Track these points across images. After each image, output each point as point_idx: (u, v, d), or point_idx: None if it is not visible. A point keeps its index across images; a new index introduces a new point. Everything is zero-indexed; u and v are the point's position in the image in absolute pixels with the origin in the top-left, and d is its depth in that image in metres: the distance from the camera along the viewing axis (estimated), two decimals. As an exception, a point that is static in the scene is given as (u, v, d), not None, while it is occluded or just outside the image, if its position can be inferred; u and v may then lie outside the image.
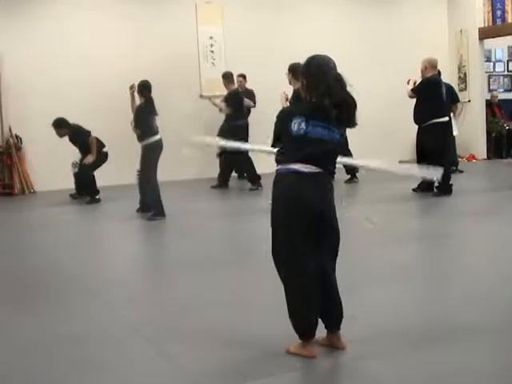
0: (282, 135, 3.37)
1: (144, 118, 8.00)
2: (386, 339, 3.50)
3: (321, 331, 3.37)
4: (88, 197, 9.73)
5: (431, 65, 9.11)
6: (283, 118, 3.38)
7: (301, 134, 3.26)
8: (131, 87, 8.44)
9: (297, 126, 3.27)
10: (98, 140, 9.77)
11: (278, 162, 3.36)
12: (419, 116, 9.07)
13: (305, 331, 3.29)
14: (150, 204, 7.95)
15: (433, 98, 8.89)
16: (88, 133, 9.75)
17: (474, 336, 3.54)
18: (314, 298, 3.26)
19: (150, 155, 7.96)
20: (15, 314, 4.34)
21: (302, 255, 3.25)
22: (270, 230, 3.35)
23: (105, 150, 9.86)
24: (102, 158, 9.81)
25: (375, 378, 3.07)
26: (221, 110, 10.92)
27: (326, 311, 3.35)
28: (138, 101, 8.34)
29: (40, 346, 3.68)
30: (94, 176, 9.78)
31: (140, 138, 8.03)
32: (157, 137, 8.01)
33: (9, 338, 3.85)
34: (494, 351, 3.35)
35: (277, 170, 3.36)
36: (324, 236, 3.33)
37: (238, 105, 10.63)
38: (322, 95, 3.24)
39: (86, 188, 9.85)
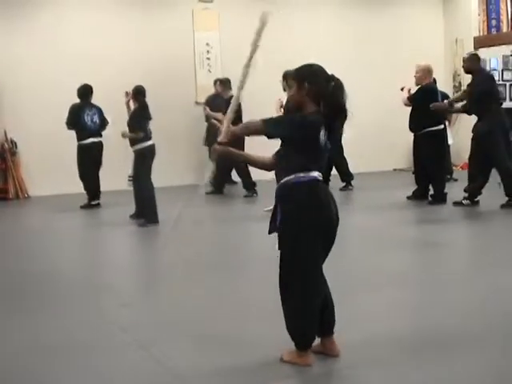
0: (305, 142, 3.21)
1: (138, 122, 7.99)
2: (381, 345, 3.49)
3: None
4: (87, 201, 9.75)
5: (428, 72, 9.07)
6: (315, 128, 3.22)
7: (324, 145, 3.25)
8: (126, 94, 8.45)
9: (323, 136, 3.23)
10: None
11: (296, 169, 3.21)
12: (415, 124, 9.03)
13: (307, 341, 3.26)
14: (143, 207, 7.93)
15: (429, 107, 8.81)
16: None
17: (468, 342, 3.54)
18: (318, 309, 3.26)
19: (143, 160, 7.95)
20: (7, 319, 4.33)
21: (320, 267, 3.27)
22: (286, 239, 3.23)
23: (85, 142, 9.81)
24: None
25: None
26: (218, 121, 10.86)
27: (322, 317, 3.34)
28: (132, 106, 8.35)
29: (32, 349, 3.67)
30: (90, 176, 9.78)
31: (132, 142, 8.02)
32: (149, 142, 8.00)
33: (1, 343, 3.83)
34: (488, 357, 3.35)
35: (297, 177, 3.20)
36: (330, 245, 3.33)
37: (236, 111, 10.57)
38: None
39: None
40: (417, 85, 9.13)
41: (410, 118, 9.16)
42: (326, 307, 3.33)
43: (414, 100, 9.04)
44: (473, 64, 8.57)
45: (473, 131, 8.69)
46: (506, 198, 8.28)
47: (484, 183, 8.48)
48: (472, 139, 8.65)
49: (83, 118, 9.74)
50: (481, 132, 8.37)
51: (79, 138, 9.76)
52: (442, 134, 9.19)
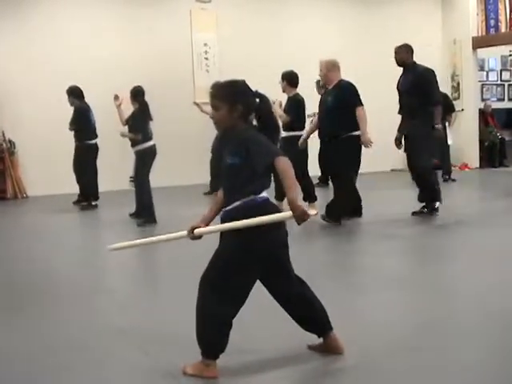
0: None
1: (139, 123, 7.98)
2: (380, 344, 3.49)
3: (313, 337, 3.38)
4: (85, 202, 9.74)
5: (335, 67, 7.53)
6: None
7: (225, 161, 3.18)
8: (116, 98, 8.44)
9: (224, 153, 3.20)
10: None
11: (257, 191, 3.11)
12: (333, 128, 7.32)
13: (216, 352, 3.14)
14: (142, 209, 7.94)
15: (351, 107, 7.33)
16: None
17: (466, 340, 3.55)
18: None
19: (144, 160, 7.94)
20: (4, 320, 4.32)
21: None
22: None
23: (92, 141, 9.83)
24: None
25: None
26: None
27: (311, 322, 3.34)
28: (128, 109, 8.32)
29: (28, 351, 3.66)
30: (94, 176, 9.79)
31: (133, 143, 8.01)
32: (150, 142, 7.99)
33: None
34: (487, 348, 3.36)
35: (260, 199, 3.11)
36: None
37: None
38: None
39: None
40: (325, 84, 7.83)
41: (329, 121, 7.39)
42: (310, 312, 3.31)
43: (333, 100, 7.40)
44: (406, 55, 7.72)
45: (405, 133, 7.84)
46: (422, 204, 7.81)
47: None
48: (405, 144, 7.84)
49: (90, 118, 9.76)
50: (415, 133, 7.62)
51: (85, 138, 9.71)
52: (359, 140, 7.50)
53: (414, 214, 7.79)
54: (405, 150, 7.93)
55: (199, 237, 3.25)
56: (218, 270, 3.12)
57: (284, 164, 2.95)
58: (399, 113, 8.05)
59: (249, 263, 3.09)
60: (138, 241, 3.66)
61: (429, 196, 7.78)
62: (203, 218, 3.29)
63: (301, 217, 2.85)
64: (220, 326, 3.10)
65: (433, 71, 7.76)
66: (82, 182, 9.89)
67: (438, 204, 7.78)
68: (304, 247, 6.07)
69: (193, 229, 3.24)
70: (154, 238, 3.51)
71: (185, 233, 3.27)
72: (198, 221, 3.27)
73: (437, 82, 7.78)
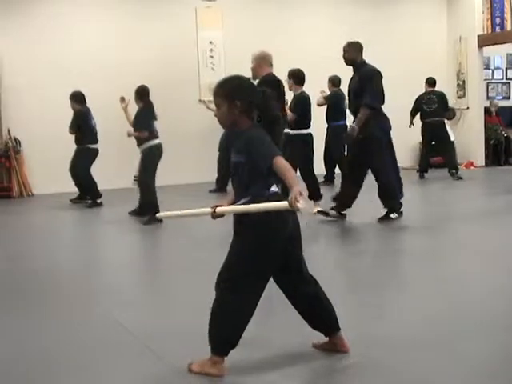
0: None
1: (144, 121, 7.99)
2: (383, 343, 3.50)
3: (318, 335, 3.38)
4: (89, 200, 9.76)
5: (263, 60, 7.32)
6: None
7: (232, 157, 3.22)
8: (122, 100, 8.44)
9: (231, 150, 3.23)
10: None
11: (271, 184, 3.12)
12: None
13: (227, 349, 3.15)
14: (147, 207, 7.94)
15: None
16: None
17: (468, 339, 3.55)
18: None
19: (150, 159, 7.94)
20: (11, 318, 4.33)
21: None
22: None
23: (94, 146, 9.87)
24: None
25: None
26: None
27: (321, 321, 3.34)
28: (133, 108, 8.32)
29: (31, 349, 3.67)
30: (91, 176, 9.81)
31: (139, 142, 8.02)
32: (156, 141, 8.00)
33: (3, 343, 3.83)
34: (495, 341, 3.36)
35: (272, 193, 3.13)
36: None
37: None
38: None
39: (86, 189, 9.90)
40: (254, 78, 7.17)
41: None
42: (321, 311, 3.31)
43: None
44: (355, 54, 7.38)
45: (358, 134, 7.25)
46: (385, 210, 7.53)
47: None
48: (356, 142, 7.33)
49: (89, 121, 9.78)
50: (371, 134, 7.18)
51: (86, 142, 9.76)
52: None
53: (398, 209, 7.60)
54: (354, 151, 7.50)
55: (221, 215, 3.26)
56: (232, 268, 3.15)
57: (281, 163, 2.95)
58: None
59: (262, 260, 3.10)
60: (178, 212, 3.75)
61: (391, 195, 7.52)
62: (227, 198, 3.32)
63: (293, 198, 2.77)
64: (233, 323, 3.11)
65: (378, 72, 7.33)
66: (80, 183, 9.93)
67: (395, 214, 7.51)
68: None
69: (216, 207, 3.24)
70: (188, 211, 3.59)
71: (209, 210, 3.27)
72: (222, 200, 3.32)
73: (377, 84, 7.27)
